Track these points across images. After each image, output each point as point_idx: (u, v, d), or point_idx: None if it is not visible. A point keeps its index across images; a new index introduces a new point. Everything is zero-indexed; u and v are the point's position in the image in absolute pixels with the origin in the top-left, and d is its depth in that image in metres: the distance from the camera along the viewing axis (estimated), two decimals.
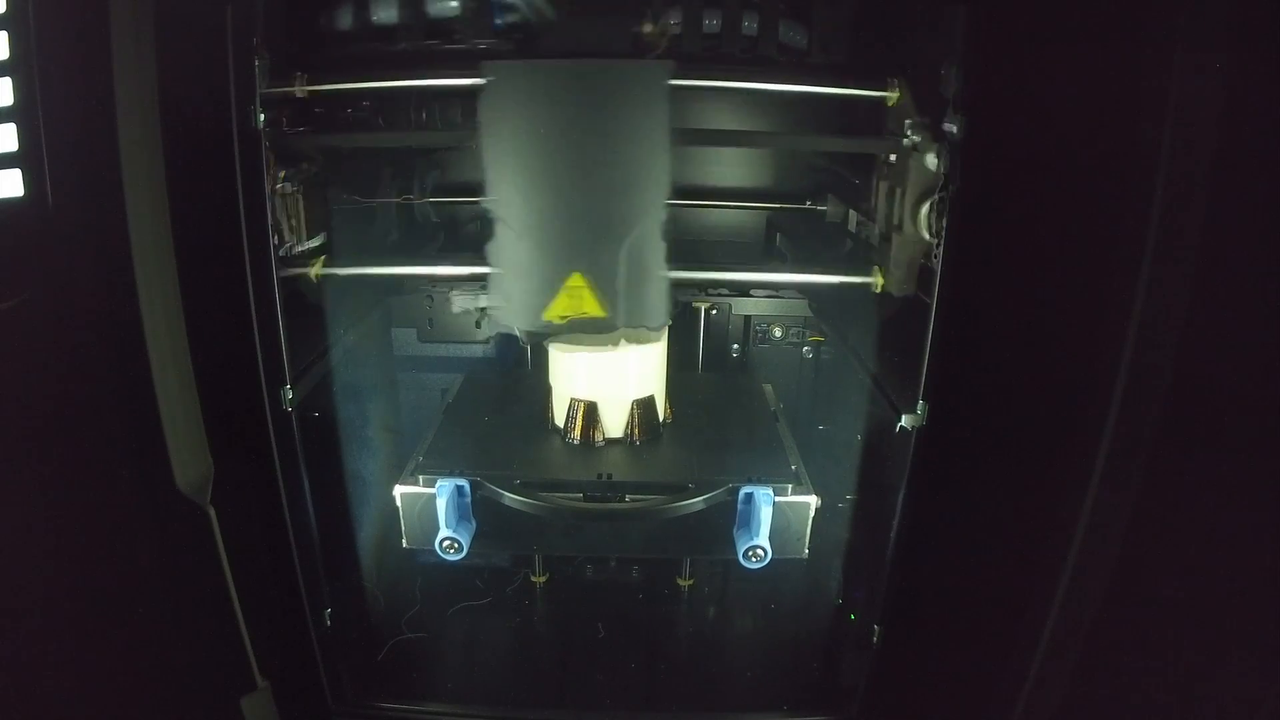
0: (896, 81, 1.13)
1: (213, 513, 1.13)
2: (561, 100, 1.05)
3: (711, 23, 1.19)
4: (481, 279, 1.16)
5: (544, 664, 1.46)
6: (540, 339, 1.19)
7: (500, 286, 1.13)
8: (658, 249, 1.10)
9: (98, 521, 1.00)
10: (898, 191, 1.16)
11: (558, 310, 1.11)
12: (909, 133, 1.11)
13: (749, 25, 1.20)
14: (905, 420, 1.15)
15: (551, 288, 1.11)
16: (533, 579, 1.61)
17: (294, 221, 1.19)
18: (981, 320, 1.13)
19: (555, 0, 1.10)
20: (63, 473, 0.95)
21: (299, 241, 1.21)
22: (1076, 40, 0.96)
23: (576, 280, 1.10)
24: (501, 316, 1.15)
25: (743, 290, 1.67)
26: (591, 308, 1.11)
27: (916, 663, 1.27)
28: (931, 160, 1.08)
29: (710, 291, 1.64)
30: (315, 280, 1.23)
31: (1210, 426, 0.83)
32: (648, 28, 1.14)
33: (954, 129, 1.04)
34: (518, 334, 1.17)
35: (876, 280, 1.21)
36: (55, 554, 0.93)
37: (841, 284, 1.27)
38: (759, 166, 1.78)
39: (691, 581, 1.61)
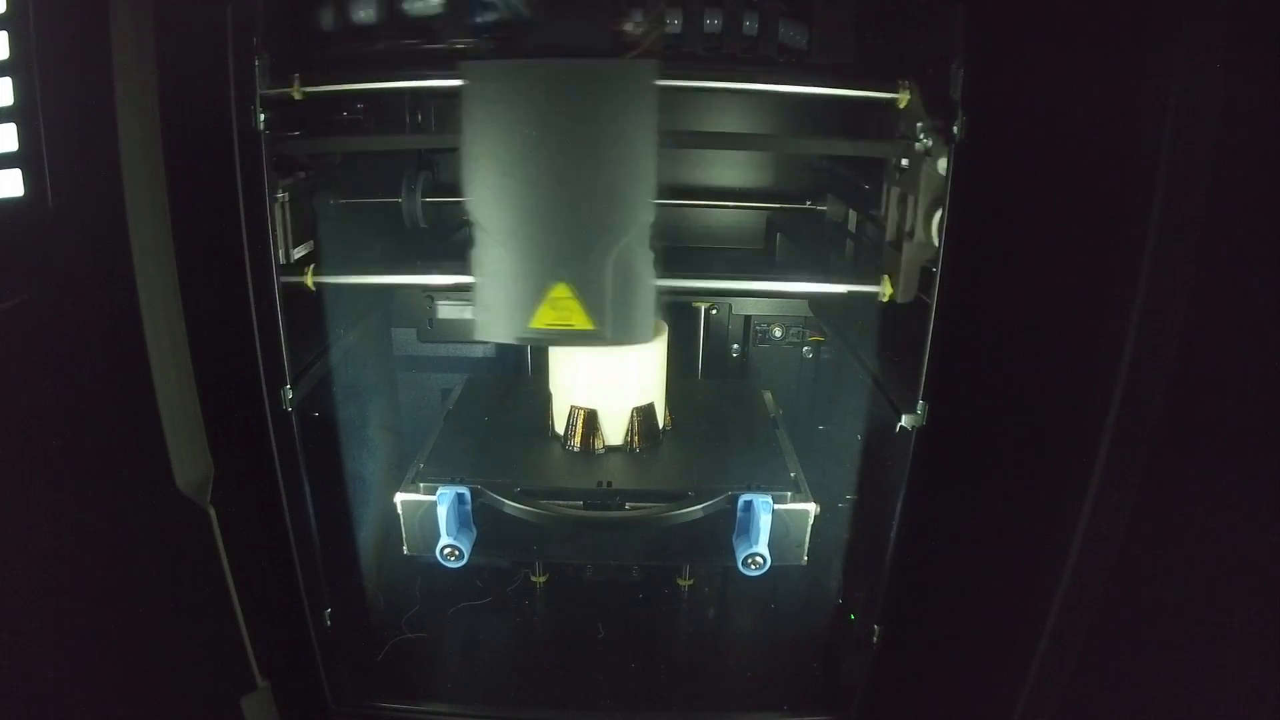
0: (907, 83, 1.09)
1: (213, 513, 1.13)
2: (542, 102, 1.00)
3: (713, 23, 1.18)
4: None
5: (544, 664, 1.46)
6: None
7: (483, 296, 1.08)
8: (646, 257, 1.06)
9: (98, 521, 1.00)
10: (909, 198, 1.12)
11: (543, 321, 1.07)
12: (921, 136, 1.07)
13: (750, 25, 1.19)
14: (905, 420, 1.15)
15: (536, 298, 1.06)
16: (532, 579, 1.61)
17: (283, 231, 1.16)
18: (982, 320, 1.13)
19: (537, 0, 1.06)
20: (63, 473, 0.95)
21: (289, 250, 1.19)
22: (1077, 41, 0.96)
23: (561, 291, 1.05)
24: (484, 327, 1.10)
25: (747, 294, 1.66)
26: (579, 320, 1.06)
27: (916, 663, 1.27)
28: (944, 165, 1.04)
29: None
30: (312, 289, 1.21)
31: (1210, 426, 0.83)
32: (631, 26, 1.09)
33: (956, 129, 1.03)
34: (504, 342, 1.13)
35: (885, 290, 1.17)
36: (55, 554, 0.93)
37: (849, 293, 1.22)
38: (759, 167, 1.78)
39: (691, 582, 1.61)
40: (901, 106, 1.10)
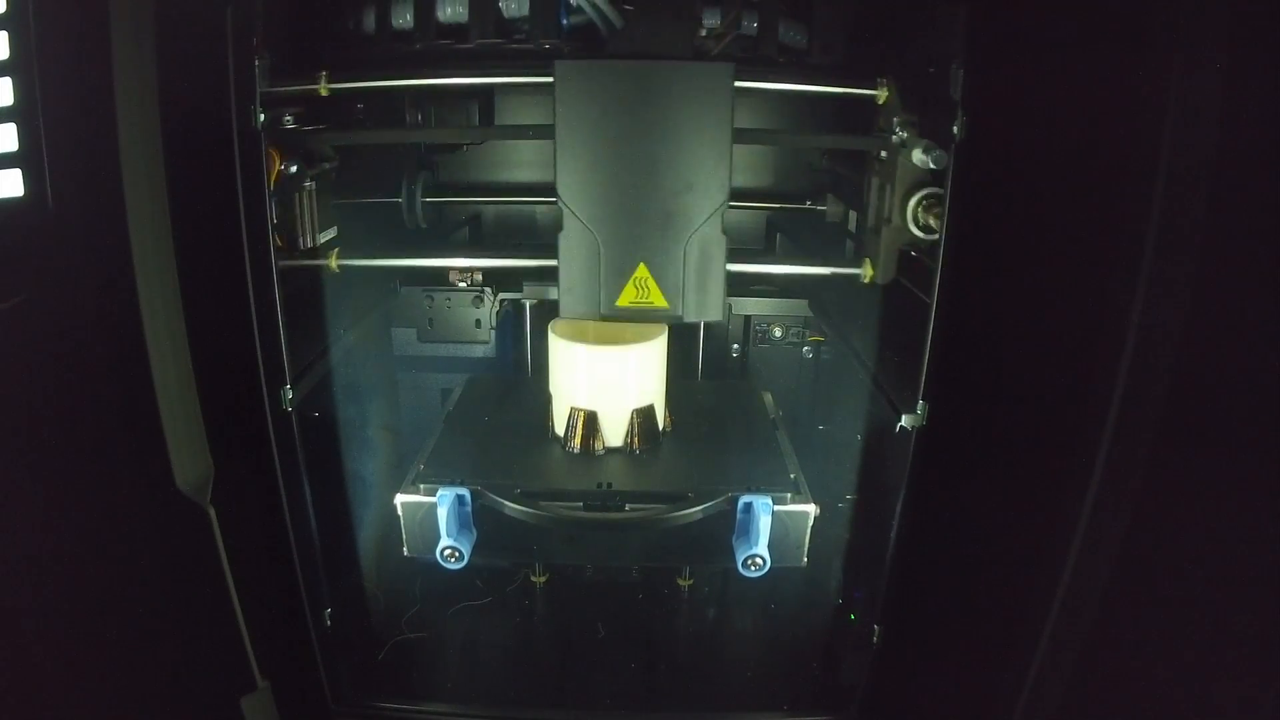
0: (886, 81, 1.15)
1: (213, 513, 1.13)
2: (628, 99, 1.09)
3: (711, 23, 1.20)
4: (499, 271, 1.25)
5: (544, 664, 1.46)
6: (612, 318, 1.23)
7: (569, 276, 1.16)
8: (719, 242, 1.15)
9: (98, 521, 1.00)
10: (887, 187, 1.19)
11: (626, 300, 1.17)
12: (897, 129, 1.14)
13: (747, 25, 1.22)
14: (905, 420, 1.15)
15: (620, 279, 1.16)
16: (532, 579, 1.61)
17: (310, 216, 1.23)
18: (981, 320, 1.13)
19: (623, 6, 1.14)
20: (63, 473, 0.95)
21: (314, 235, 1.25)
22: (1076, 39, 0.96)
23: (643, 272, 1.15)
24: (570, 305, 1.18)
25: (742, 289, 1.67)
26: (657, 299, 1.16)
27: (916, 663, 1.27)
28: (919, 156, 1.11)
29: None
30: (336, 270, 1.26)
31: (1210, 426, 0.83)
32: (709, 30, 1.19)
33: (956, 129, 1.05)
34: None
35: (866, 271, 1.23)
36: (55, 554, 0.93)
37: (833, 274, 1.30)
38: (759, 167, 1.79)
39: (691, 582, 1.61)
40: (880, 102, 1.17)
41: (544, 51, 1.20)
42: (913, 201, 1.16)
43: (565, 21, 1.20)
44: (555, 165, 1.11)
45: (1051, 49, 1.01)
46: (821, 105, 1.66)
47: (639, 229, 1.14)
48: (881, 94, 1.16)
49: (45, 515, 0.93)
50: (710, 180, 1.12)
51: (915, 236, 1.17)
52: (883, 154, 1.21)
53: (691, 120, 1.09)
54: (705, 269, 1.16)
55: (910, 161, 1.13)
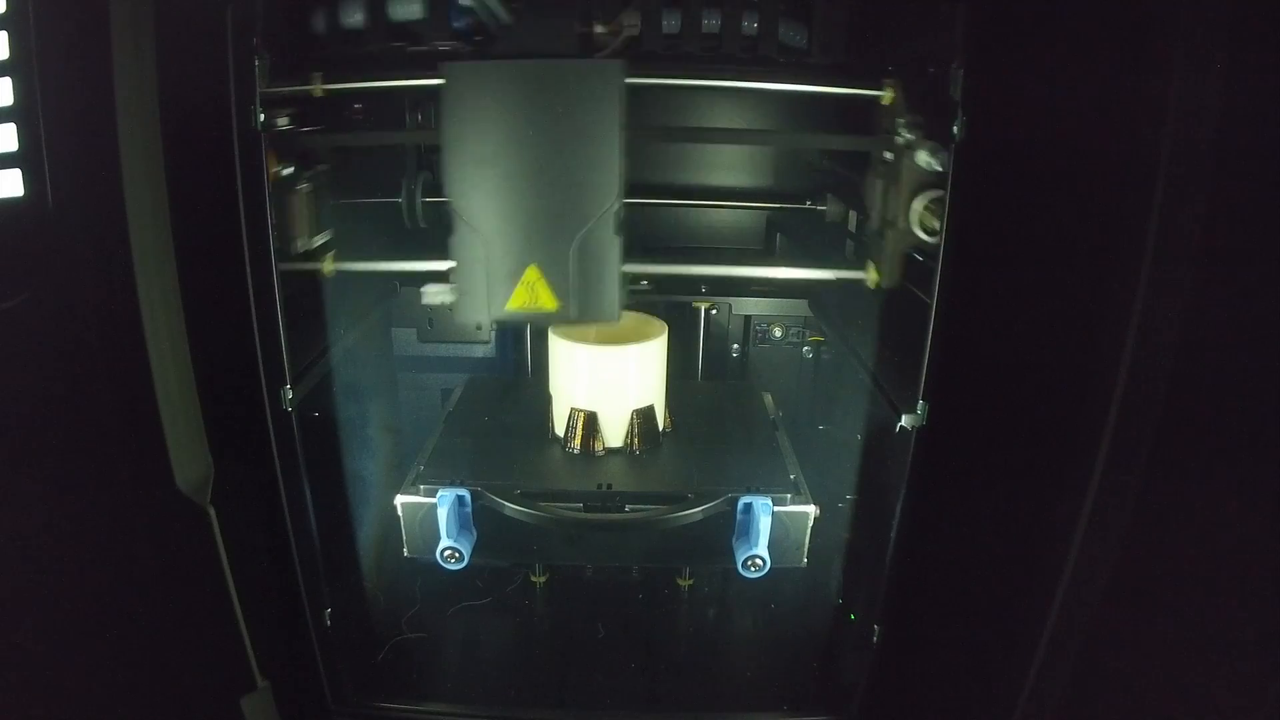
0: (890, 81, 1.14)
1: (213, 513, 1.13)
2: (516, 100, 1.07)
3: (711, 23, 1.20)
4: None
5: (544, 664, 1.46)
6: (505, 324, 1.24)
7: (462, 280, 1.16)
8: (612, 242, 1.13)
9: (98, 521, 1.00)
10: (891, 189, 1.18)
11: (516, 303, 1.15)
12: (902, 131, 1.13)
13: (748, 25, 1.21)
14: (905, 420, 1.15)
15: (510, 281, 1.14)
16: (532, 579, 1.61)
17: (305, 219, 1.22)
18: (981, 320, 1.13)
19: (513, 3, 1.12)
20: (63, 473, 0.95)
21: (309, 238, 1.24)
22: (1077, 40, 0.96)
23: (532, 274, 1.13)
24: (463, 309, 1.17)
25: (743, 289, 1.67)
26: (546, 301, 1.15)
27: (916, 663, 1.27)
28: (924, 158, 1.10)
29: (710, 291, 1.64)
30: (328, 275, 1.25)
31: (1210, 426, 0.83)
32: (601, 28, 1.16)
33: (956, 129, 1.04)
34: (481, 325, 1.21)
35: (871, 276, 1.22)
36: (55, 554, 0.93)
37: (837, 279, 1.28)
38: (759, 167, 1.79)
39: (691, 582, 1.61)
40: (885, 103, 1.15)
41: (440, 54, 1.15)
42: (918, 205, 1.14)
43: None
44: (444, 169, 1.10)
45: (1052, 49, 1.00)
46: (821, 105, 1.65)
47: (529, 231, 1.12)
48: (886, 94, 1.15)
49: (45, 515, 0.93)
50: (600, 180, 1.10)
51: (921, 240, 1.15)
52: (887, 156, 1.19)
53: (580, 120, 1.07)
54: (596, 269, 1.14)
55: (916, 164, 1.11)
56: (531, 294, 1.14)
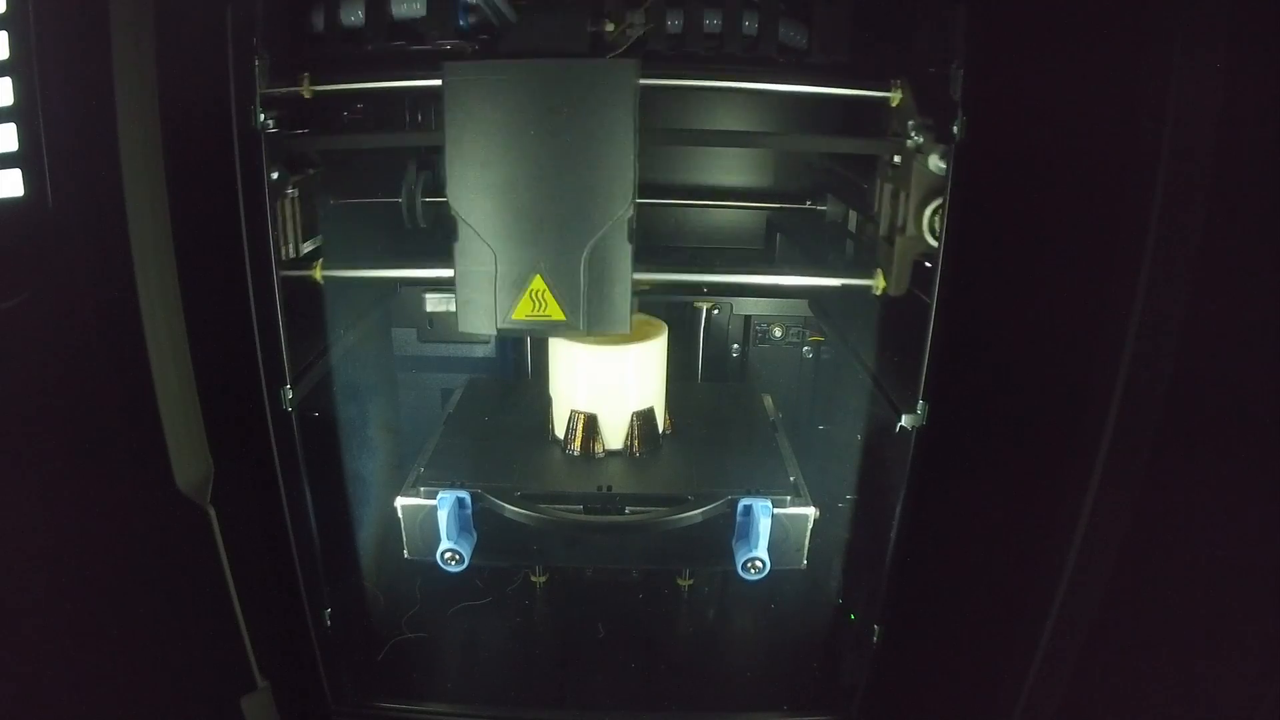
0: (899, 82, 1.12)
1: (213, 513, 1.13)
2: (523, 101, 1.03)
3: (712, 23, 1.19)
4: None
5: (544, 664, 1.46)
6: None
7: (465, 289, 1.12)
8: (623, 251, 1.09)
9: (98, 521, 1.00)
10: (901, 194, 1.15)
11: (522, 313, 1.11)
12: (912, 134, 1.10)
13: (749, 25, 1.20)
14: (905, 420, 1.15)
15: (516, 291, 1.10)
16: (532, 579, 1.61)
17: (294, 225, 1.19)
18: (981, 320, 1.13)
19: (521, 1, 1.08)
20: (63, 472, 0.95)
21: (298, 245, 1.21)
22: (1077, 40, 0.96)
23: (539, 284, 1.09)
24: (466, 319, 1.13)
25: (743, 289, 1.67)
26: (553, 311, 1.10)
27: (916, 663, 1.27)
28: (936, 162, 1.07)
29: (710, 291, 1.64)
30: (320, 282, 1.23)
31: (1210, 426, 0.83)
32: (610, 27, 1.12)
33: (956, 129, 1.04)
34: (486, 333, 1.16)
35: (878, 283, 1.20)
36: (55, 554, 0.93)
37: (843, 286, 1.26)
38: (759, 167, 1.78)
39: (691, 582, 1.61)
40: (894, 105, 1.12)
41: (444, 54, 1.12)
42: (929, 210, 1.10)
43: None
44: (446, 172, 1.06)
45: (1052, 49, 1.00)
46: (825, 106, 1.65)
47: (535, 238, 1.07)
48: (895, 96, 1.12)
49: (45, 515, 0.93)
50: (612, 185, 1.05)
51: (931, 247, 1.10)
52: (896, 159, 1.16)
53: (593, 122, 1.03)
54: (607, 279, 1.09)
55: (926, 168, 1.08)
56: (538, 304, 1.10)
